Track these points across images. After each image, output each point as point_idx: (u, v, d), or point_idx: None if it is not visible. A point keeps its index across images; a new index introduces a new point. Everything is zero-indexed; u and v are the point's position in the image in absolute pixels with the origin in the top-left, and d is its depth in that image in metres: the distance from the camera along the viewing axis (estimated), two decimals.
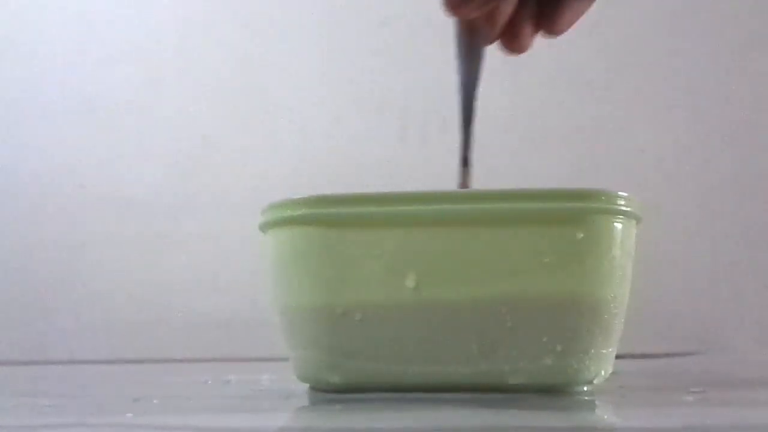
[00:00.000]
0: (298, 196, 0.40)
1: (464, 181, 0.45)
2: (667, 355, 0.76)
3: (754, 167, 0.84)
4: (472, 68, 0.45)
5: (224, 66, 0.89)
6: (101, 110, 0.89)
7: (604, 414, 0.36)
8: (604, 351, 0.40)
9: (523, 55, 0.45)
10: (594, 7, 0.43)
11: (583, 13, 0.43)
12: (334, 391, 0.41)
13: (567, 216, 0.38)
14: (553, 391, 0.39)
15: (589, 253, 0.38)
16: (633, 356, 0.69)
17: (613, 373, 0.42)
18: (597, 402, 0.38)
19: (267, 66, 0.89)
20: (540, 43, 0.45)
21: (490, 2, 0.40)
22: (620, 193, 0.40)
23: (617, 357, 0.42)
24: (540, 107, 0.86)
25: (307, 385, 0.43)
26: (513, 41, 0.44)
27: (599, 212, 0.39)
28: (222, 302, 0.84)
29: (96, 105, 0.89)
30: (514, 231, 0.38)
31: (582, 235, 0.38)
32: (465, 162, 0.45)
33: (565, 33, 0.43)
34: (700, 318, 0.82)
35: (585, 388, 0.40)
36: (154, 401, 0.41)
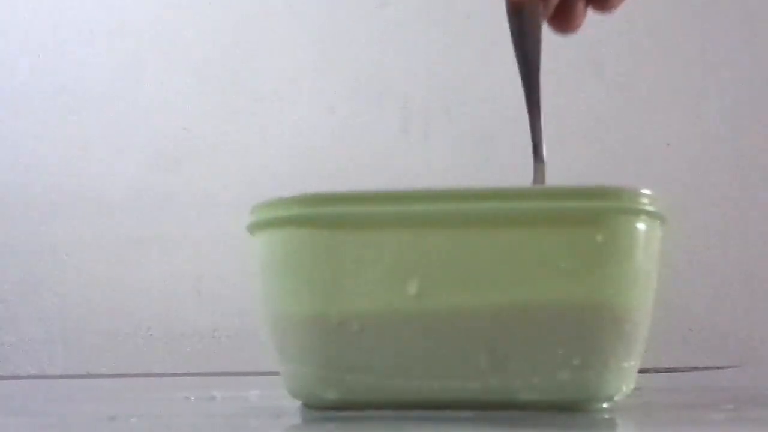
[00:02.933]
0: (290, 195, 0.40)
1: (538, 177, 0.45)
2: (695, 369, 0.76)
3: None
4: (531, 50, 0.45)
5: (209, 51, 0.89)
6: (72, 99, 0.89)
7: None
8: (625, 364, 0.40)
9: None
10: None
11: None
12: (329, 408, 0.41)
13: (585, 216, 0.38)
14: (569, 408, 0.39)
15: (609, 257, 0.38)
16: (657, 370, 0.69)
17: (635, 388, 0.42)
18: (618, 420, 0.38)
19: (255, 51, 0.89)
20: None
21: None
22: (643, 190, 0.40)
23: (640, 371, 0.42)
24: (555, 98, 0.86)
25: (300, 401, 0.43)
26: (565, 19, 0.45)
27: (620, 212, 0.39)
28: (206, 311, 0.84)
29: (66, 93, 0.89)
30: (527, 233, 0.38)
31: (601, 237, 0.38)
32: (537, 155, 0.45)
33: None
34: (731, 329, 0.82)
35: (605, 406, 0.40)
36: (132, 420, 0.41)
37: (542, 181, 0.45)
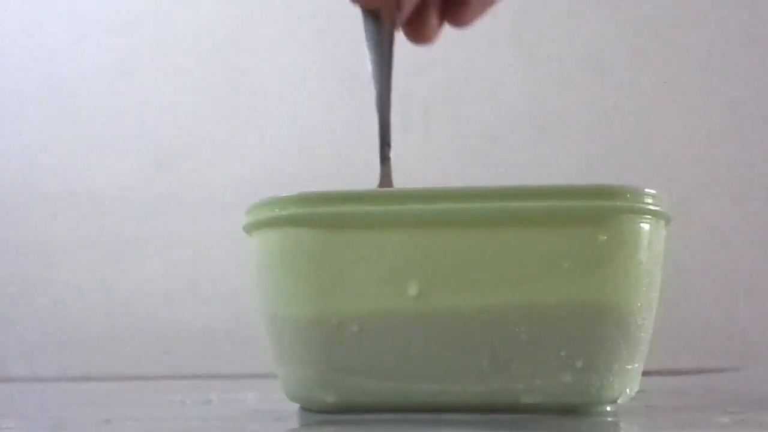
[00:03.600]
0: (287, 194, 0.40)
1: (384, 179, 0.46)
2: (700, 371, 0.76)
3: None
4: (383, 57, 0.48)
5: (205, 48, 0.89)
6: (64, 97, 0.89)
7: None
8: (629, 367, 0.40)
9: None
10: None
11: (491, 4, 0.46)
12: (328, 411, 0.41)
13: (588, 216, 0.38)
14: (572, 411, 0.39)
15: (612, 257, 0.38)
16: (662, 373, 0.69)
17: (639, 391, 0.42)
18: (621, 424, 0.38)
19: (252, 48, 0.89)
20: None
21: None
22: (647, 189, 0.40)
23: (644, 373, 0.42)
24: (556, 94, 0.86)
25: (298, 405, 0.43)
26: (419, 30, 0.47)
27: (624, 211, 0.39)
28: (202, 312, 0.84)
29: (59, 90, 0.89)
30: (529, 232, 0.38)
31: (605, 237, 0.38)
32: (384, 158, 0.46)
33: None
34: (737, 330, 0.82)
35: (608, 408, 0.41)
36: (127, 423, 0.41)
37: (389, 181, 0.46)
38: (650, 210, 0.40)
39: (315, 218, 0.39)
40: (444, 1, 0.47)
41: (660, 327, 0.42)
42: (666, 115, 0.86)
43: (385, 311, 0.39)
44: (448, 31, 0.49)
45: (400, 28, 0.48)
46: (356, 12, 0.47)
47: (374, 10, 0.47)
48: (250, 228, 0.43)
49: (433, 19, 0.47)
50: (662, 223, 0.41)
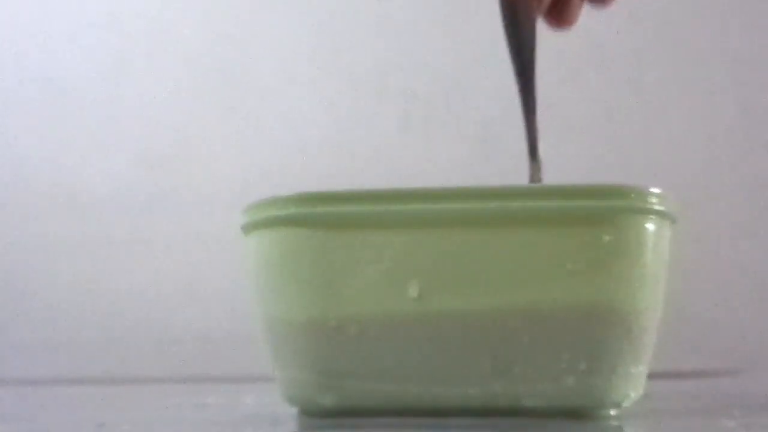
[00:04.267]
0: (286, 193, 0.41)
1: (534, 176, 0.45)
2: (705, 374, 0.76)
3: None
4: (525, 46, 0.45)
5: (201, 44, 0.89)
6: (57, 95, 0.89)
7: None
8: (633, 370, 0.40)
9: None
10: None
11: None
12: (327, 415, 0.41)
13: (592, 216, 0.38)
14: (575, 415, 0.40)
15: (617, 258, 0.39)
16: (667, 376, 0.69)
17: (644, 394, 0.42)
18: (625, 428, 0.38)
19: (250, 44, 0.89)
20: None
21: None
22: (652, 189, 0.40)
23: (649, 376, 0.42)
24: (561, 93, 0.86)
25: (296, 408, 0.43)
26: (561, 15, 0.46)
27: (629, 211, 0.39)
28: (198, 314, 0.84)
29: (51, 88, 0.89)
30: (532, 233, 0.38)
31: (609, 237, 0.38)
32: (533, 154, 0.46)
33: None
34: (742, 333, 0.82)
35: (612, 412, 0.41)
36: (122, 427, 0.41)
37: (539, 182, 0.45)
38: (655, 210, 0.40)
39: (313, 218, 0.39)
40: None
41: (665, 329, 0.42)
42: (671, 113, 0.86)
43: (385, 313, 0.39)
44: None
45: (542, 15, 0.47)
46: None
47: (513, 2, 0.45)
48: (248, 228, 0.43)
49: (575, 2, 0.46)
50: (667, 223, 0.41)
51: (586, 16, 0.48)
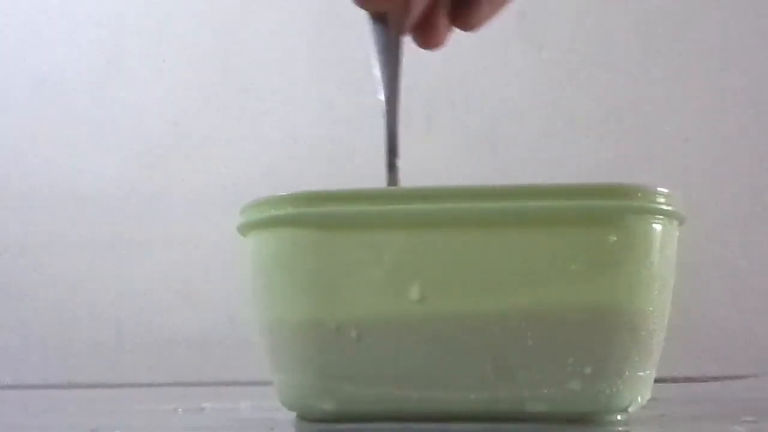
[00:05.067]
0: (284, 193, 0.40)
1: (392, 184, 0.46)
2: (714, 378, 0.76)
3: None
4: (391, 63, 0.48)
5: (199, 41, 0.89)
6: (53, 92, 0.89)
7: None
8: (641, 374, 0.40)
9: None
10: None
11: (501, 6, 0.46)
12: (326, 420, 0.41)
13: (598, 216, 0.38)
14: (580, 420, 0.39)
15: (623, 259, 0.38)
16: (675, 380, 0.69)
17: (651, 399, 0.42)
18: None
19: (248, 42, 0.89)
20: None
21: None
22: (660, 189, 0.40)
23: (656, 381, 0.42)
24: (566, 90, 0.86)
25: (294, 413, 0.43)
26: (427, 34, 0.48)
27: (635, 211, 0.39)
28: (195, 317, 0.84)
29: (47, 86, 0.89)
30: (536, 233, 0.38)
31: (615, 237, 0.38)
32: (391, 166, 0.47)
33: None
34: (752, 336, 0.82)
35: (618, 417, 0.40)
36: None
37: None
38: (663, 210, 0.40)
39: (312, 218, 0.39)
40: (453, 5, 0.47)
41: (672, 332, 0.42)
42: (678, 112, 0.86)
43: (385, 316, 0.39)
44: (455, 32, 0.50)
45: (408, 33, 0.48)
46: (359, 11, 0.47)
47: (382, 15, 0.47)
48: (245, 229, 0.43)
49: (442, 23, 0.48)
50: (675, 223, 0.41)
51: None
